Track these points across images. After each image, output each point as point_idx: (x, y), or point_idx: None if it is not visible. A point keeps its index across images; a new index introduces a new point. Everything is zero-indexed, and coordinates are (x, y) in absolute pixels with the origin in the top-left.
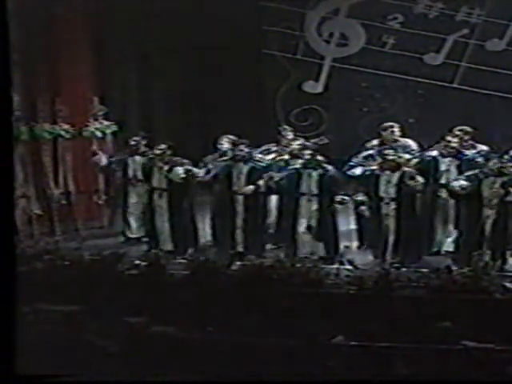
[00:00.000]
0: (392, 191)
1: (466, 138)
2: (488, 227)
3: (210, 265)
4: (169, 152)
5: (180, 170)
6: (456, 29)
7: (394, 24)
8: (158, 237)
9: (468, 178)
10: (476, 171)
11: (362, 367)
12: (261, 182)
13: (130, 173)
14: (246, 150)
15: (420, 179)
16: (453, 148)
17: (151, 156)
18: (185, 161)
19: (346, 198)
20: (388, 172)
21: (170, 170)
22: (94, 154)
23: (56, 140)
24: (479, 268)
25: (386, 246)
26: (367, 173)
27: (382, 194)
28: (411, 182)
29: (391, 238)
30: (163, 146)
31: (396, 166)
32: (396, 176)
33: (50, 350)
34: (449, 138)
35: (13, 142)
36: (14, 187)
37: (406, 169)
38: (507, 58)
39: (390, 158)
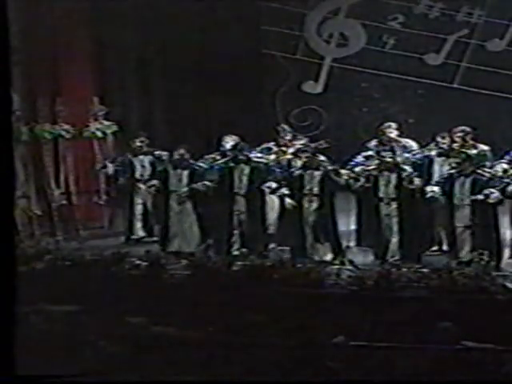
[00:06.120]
0: (392, 192)
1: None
2: None
3: (211, 265)
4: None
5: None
6: (456, 29)
7: (395, 24)
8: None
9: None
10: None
11: (362, 367)
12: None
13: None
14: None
15: (417, 181)
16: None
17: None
18: None
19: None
20: (386, 173)
21: None
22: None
23: (56, 140)
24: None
25: (387, 246)
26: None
27: (381, 194)
28: (409, 186)
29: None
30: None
31: (393, 167)
32: (394, 176)
33: (50, 349)
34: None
35: (13, 142)
36: (15, 187)
37: (406, 169)
38: (508, 59)
39: (387, 159)
